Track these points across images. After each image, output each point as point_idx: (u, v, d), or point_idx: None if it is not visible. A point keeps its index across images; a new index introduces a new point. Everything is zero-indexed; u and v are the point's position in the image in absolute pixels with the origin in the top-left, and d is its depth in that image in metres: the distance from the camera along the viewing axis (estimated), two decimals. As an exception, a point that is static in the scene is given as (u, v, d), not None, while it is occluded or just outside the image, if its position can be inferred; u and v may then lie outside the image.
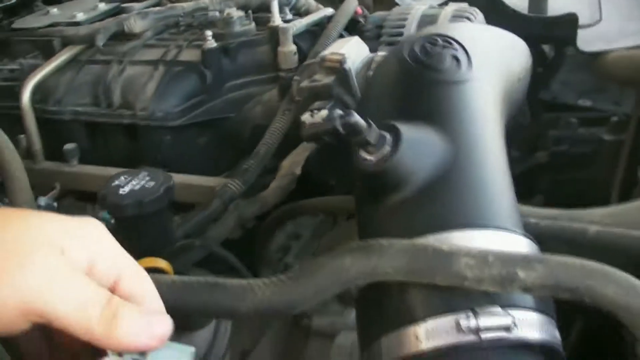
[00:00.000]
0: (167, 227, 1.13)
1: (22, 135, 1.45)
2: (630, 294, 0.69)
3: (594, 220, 0.98)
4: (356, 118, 0.79)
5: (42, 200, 1.34)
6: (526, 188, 2.07)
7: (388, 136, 0.83)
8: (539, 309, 0.76)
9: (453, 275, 0.72)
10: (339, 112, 0.80)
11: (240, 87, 1.44)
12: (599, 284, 0.70)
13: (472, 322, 0.72)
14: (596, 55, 1.69)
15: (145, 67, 1.43)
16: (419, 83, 0.93)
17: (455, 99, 0.90)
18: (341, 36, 1.44)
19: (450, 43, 0.97)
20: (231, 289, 0.78)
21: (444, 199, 0.82)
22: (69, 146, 1.44)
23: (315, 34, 1.46)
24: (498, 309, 0.73)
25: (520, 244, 0.81)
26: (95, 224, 0.66)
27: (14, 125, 1.43)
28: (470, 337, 0.72)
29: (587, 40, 1.73)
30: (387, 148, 0.82)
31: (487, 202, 0.83)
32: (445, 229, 0.79)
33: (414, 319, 0.75)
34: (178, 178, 1.29)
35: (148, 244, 1.10)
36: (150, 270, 0.70)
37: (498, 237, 0.80)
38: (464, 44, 0.98)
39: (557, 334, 0.78)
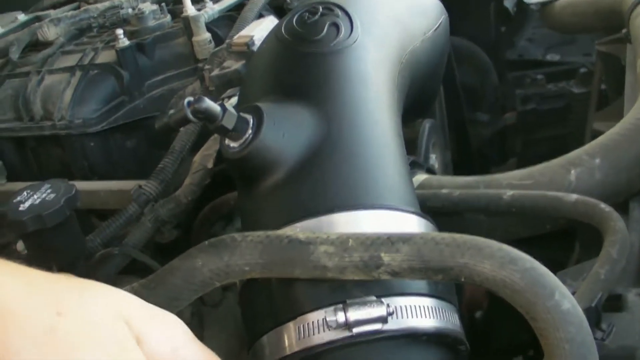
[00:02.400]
0: (77, 239, 1.07)
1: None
2: (508, 268, 0.61)
3: (512, 183, 0.91)
4: (207, 104, 0.72)
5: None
6: (499, 151, 2.00)
7: (250, 119, 0.75)
8: (429, 293, 0.68)
9: (312, 265, 0.65)
10: (189, 99, 0.72)
11: (161, 84, 1.37)
12: (472, 260, 0.62)
13: (341, 317, 0.64)
14: (543, 6, 1.61)
15: (62, 75, 1.37)
16: (292, 56, 0.86)
17: (329, 70, 0.83)
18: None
19: (332, 9, 0.89)
20: None
21: (317, 180, 0.75)
22: (-7, 163, 1.39)
23: (234, 19, 1.39)
24: (371, 299, 0.65)
25: (410, 223, 0.74)
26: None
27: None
28: (343, 333, 0.65)
29: (535, -10, 1.65)
30: (248, 132, 0.75)
31: (367, 180, 0.76)
32: (322, 213, 0.72)
33: (284, 319, 0.68)
34: (98, 185, 1.24)
35: (61, 258, 1.05)
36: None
37: (383, 217, 0.73)
38: (349, 8, 0.90)
39: (455, 318, 0.71)
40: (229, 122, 0.74)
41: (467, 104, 1.90)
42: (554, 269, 0.84)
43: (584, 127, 1.64)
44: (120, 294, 0.61)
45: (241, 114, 0.75)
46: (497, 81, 1.98)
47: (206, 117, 0.73)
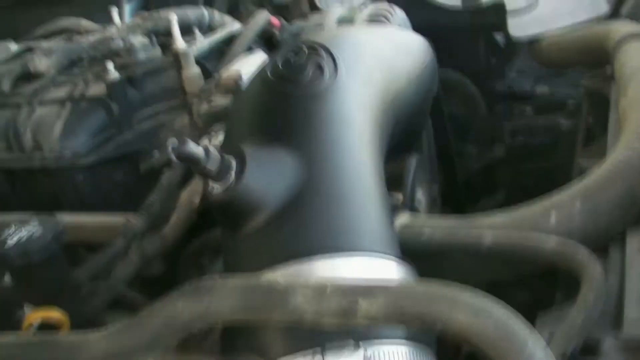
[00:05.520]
0: (64, 273, 1.08)
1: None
2: (481, 318, 0.62)
3: (494, 226, 0.92)
4: (190, 148, 0.73)
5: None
6: (487, 183, 2.01)
7: (233, 163, 0.76)
8: (406, 337, 0.69)
9: (290, 310, 0.66)
10: (174, 141, 0.73)
11: (150, 117, 1.37)
12: (447, 309, 0.63)
13: None
14: (531, 42, 1.62)
15: (52, 107, 1.38)
16: (275, 98, 0.87)
17: (311, 113, 0.84)
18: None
19: (316, 50, 0.90)
20: (66, 346, 0.73)
21: (298, 224, 0.76)
22: (-17, 196, 1.39)
23: (224, 52, 1.40)
24: (349, 344, 0.66)
25: (388, 268, 0.74)
26: None
27: None
28: None
29: (523, 26, 1.66)
30: (231, 177, 0.76)
31: (347, 224, 0.77)
32: (303, 257, 0.73)
33: (258, 364, 0.69)
34: (86, 219, 1.24)
35: (47, 292, 1.06)
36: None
37: (362, 262, 0.74)
38: (334, 50, 0.91)
39: None
40: (212, 166, 0.75)
41: (455, 136, 1.91)
42: (539, 309, 0.86)
43: (571, 161, 1.65)
44: None
45: (224, 157, 0.76)
46: (486, 113, 1.99)
47: (190, 160, 0.74)
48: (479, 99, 1.97)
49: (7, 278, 1.10)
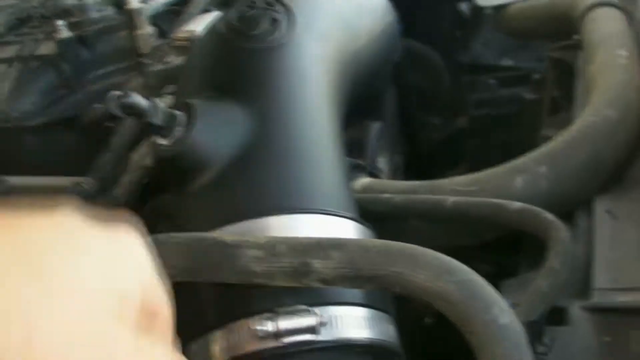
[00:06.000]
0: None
1: None
2: (443, 279, 0.58)
3: (456, 189, 0.88)
4: (135, 99, 0.69)
5: None
6: (451, 156, 1.98)
7: (181, 117, 0.72)
8: (364, 302, 0.65)
9: (239, 270, 0.62)
10: (115, 93, 0.68)
11: (103, 78, 1.32)
12: (406, 269, 0.59)
13: (270, 326, 0.61)
14: (498, 10, 1.59)
15: (0, 66, 1.32)
16: (228, 51, 0.83)
17: (265, 67, 0.80)
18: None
19: (272, 5, 0.86)
20: None
21: (249, 182, 0.72)
22: None
23: (179, 13, 1.35)
24: (302, 308, 0.62)
25: (346, 229, 0.71)
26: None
27: None
28: (272, 343, 0.61)
29: (489, -5, 1.63)
30: (179, 130, 0.71)
31: (301, 182, 0.73)
32: (254, 216, 0.69)
33: (209, 327, 0.65)
34: (34, 180, 1.19)
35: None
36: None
37: (317, 221, 0.70)
38: (291, 4, 0.87)
39: (390, 329, 0.68)
40: (157, 119, 0.71)
41: (418, 107, 1.88)
42: (503, 276, 0.83)
43: (535, 134, 1.63)
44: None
45: (172, 110, 0.72)
46: (450, 85, 1.96)
47: (134, 112, 0.69)
48: (444, 70, 1.94)
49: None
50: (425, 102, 1.93)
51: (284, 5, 0.86)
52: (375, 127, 1.21)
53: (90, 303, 0.42)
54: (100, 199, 1.11)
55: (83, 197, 1.09)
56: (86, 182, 1.10)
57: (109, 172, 1.12)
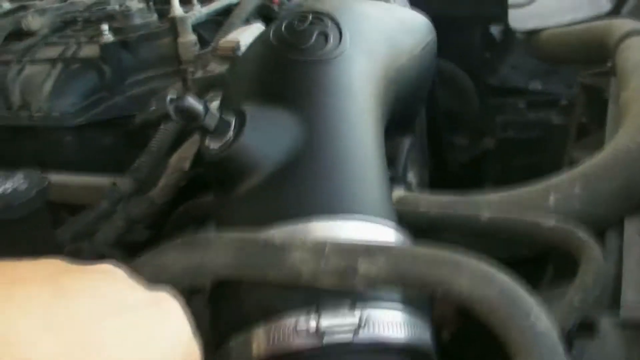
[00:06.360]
0: (47, 231, 1.06)
1: None
2: (485, 284, 0.60)
3: (491, 205, 0.90)
4: (190, 102, 0.71)
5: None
6: (475, 176, 2.00)
7: (232, 121, 0.74)
8: (403, 305, 0.67)
9: (286, 270, 0.64)
10: (172, 96, 0.71)
11: (143, 83, 1.36)
12: (449, 275, 0.61)
13: (312, 324, 0.63)
14: (530, 34, 1.61)
15: (43, 66, 1.36)
16: (278, 62, 0.86)
17: (314, 78, 0.83)
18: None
19: (322, 19, 0.89)
20: None
21: (296, 186, 0.74)
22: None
23: (221, 23, 1.38)
24: (344, 308, 0.64)
25: (387, 235, 0.73)
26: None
27: None
28: (312, 341, 0.63)
29: (523, 19, 1.65)
30: (230, 134, 0.74)
31: (346, 189, 0.75)
32: (299, 218, 0.71)
33: (253, 323, 0.67)
34: (72, 179, 1.22)
35: (28, 250, 1.03)
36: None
37: (360, 226, 0.72)
38: (340, 19, 0.89)
39: (426, 333, 0.70)
40: (210, 122, 0.73)
41: (446, 127, 1.90)
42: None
43: (561, 158, 1.64)
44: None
45: (224, 114, 0.74)
46: (478, 106, 1.98)
47: (188, 115, 0.72)
48: (473, 91, 1.96)
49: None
50: (452, 122, 1.95)
51: (332, 19, 0.89)
52: (408, 141, 1.23)
53: None
54: (136, 199, 1.13)
55: (119, 197, 1.12)
56: (123, 182, 1.13)
57: (146, 174, 1.15)
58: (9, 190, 1.00)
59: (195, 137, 1.15)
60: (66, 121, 1.30)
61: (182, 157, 1.11)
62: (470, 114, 1.98)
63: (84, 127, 1.33)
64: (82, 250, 1.09)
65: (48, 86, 1.32)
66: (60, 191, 1.18)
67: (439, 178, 1.79)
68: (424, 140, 1.61)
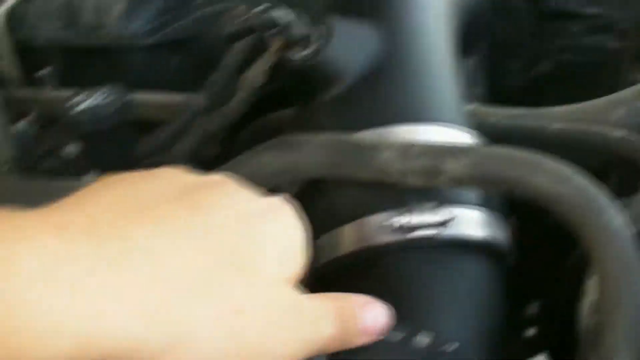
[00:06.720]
0: (129, 145, 1.11)
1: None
2: (562, 182, 0.64)
3: (558, 117, 0.93)
4: (277, 13, 0.74)
5: (19, 125, 1.32)
6: (531, 102, 2.00)
7: (318, 30, 0.78)
8: (481, 205, 0.72)
9: (375, 168, 0.68)
10: (259, 7, 0.74)
11: (210, 3, 1.37)
12: (528, 173, 0.65)
13: (401, 220, 0.68)
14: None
15: (114, -12, 1.38)
16: None
17: None
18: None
19: None
20: None
21: (379, 94, 0.78)
22: (43, 72, 1.41)
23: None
24: (431, 205, 0.68)
25: (466, 140, 0.77)
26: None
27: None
28: (400, 236, 0.68)
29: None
30: (316, 42, 0.77)
31: (427, 97, 0.79)
32: (383, 124, 0.75)
33: (341, 221, 0.71)
34: (145, 97, 1.26)
35: (111, 163, 1.08)
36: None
37: (442, 132, 0.76)
38: None
39: (502, 232, 0.74)
40: (298, 32, 0.76)
41: (498, 52, 1.90)
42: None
43: (618, 81, 1.65)
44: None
45: (311, 24, 0.78)
46: (533, 30, 1.97)
47: (275, 25, 0.75)
48: (527, 15, 1.95)
49: (69, 149, 1.13)
50: (507, 47, 1.95)
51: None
52: (472, 61, 1.26)
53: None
54: (212, 113, 1.17)
55: (195, 112, 1.16)
56: (198, 98, 1.17)
57: (220, 90, 1.18)
58: (94, 104, 1.05)
59: (268, 54, 1.18)
60: (137, 41, 1.33)
61: (256, 73, 1.14)
62: (525, 38, 1.97)
63: (154, 48, 1.35)
64: (160, 164, 1.13)
65: (119, 8, 1.35)
66: (137, 107, 1.21)
67: (497, 101, 1.81)
68: (479, 64, 1.62)
